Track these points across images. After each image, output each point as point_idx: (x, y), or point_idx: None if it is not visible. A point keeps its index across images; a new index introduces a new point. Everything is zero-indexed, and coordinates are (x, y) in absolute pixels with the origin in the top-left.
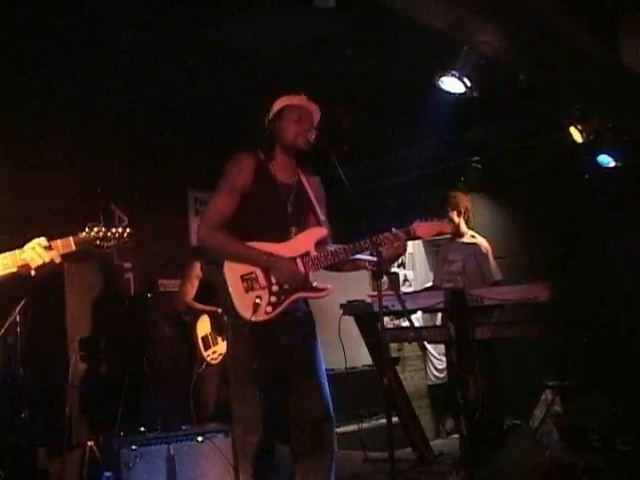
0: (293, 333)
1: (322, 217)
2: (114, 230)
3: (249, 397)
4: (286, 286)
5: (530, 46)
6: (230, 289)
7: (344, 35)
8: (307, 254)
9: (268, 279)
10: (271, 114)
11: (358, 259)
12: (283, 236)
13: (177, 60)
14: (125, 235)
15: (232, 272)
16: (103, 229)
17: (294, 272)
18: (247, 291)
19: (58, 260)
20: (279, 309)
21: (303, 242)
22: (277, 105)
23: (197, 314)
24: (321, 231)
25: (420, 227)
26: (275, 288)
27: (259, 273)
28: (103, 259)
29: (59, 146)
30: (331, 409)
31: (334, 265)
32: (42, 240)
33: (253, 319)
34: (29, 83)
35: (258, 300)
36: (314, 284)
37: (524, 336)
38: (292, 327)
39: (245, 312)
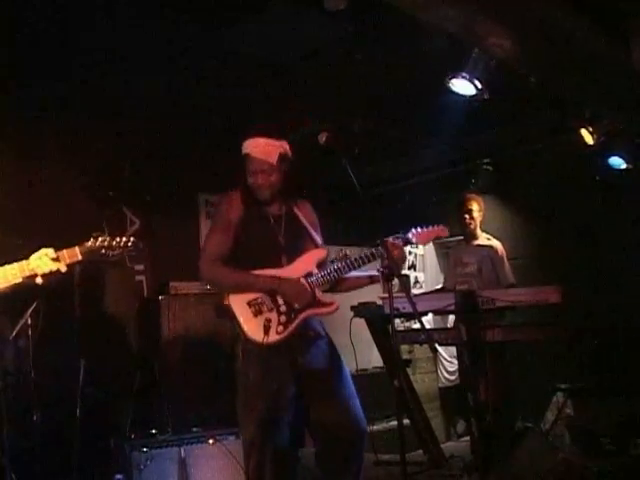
0: (309, 353)
1: (319, 240)
2: (119, 239)
3: (258, 420)
4: (296, 305)
5: (541, 48)
6: (238, 316)
7: (354, 39)
8: (310, 274)
9: (275, 301)
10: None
11: (358, 277)
12: (275, 266)
13: (189, 64)
14: (130, 244)
15: (238, 300)
16: (108, 238)
17: (301, 290)
18: (256, 315)
19: (64, 269)
20: (290, 328)
21: (304, 264)
22: (242, 149)
23: None
24: (321, 252)
25: (417, 235)
26: (283, 308)
27: (265, 297)
28: (114, 262)
29: (71, 151)
30: (364, 423)
31: (336, 285)
32: (50, 251)
33: (265, 341)
34: (41, 88)
35: (268, 322)
36: (321, 299)
37: (536, 339)
38: (307, 347)
39: (256, 335)
